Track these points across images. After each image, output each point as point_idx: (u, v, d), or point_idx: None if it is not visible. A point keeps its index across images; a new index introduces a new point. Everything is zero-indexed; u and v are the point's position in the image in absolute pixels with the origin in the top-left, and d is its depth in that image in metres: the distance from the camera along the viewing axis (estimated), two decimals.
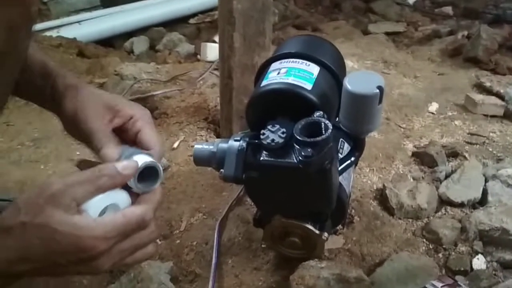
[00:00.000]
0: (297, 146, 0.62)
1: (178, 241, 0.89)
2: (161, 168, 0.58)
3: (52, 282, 0.79)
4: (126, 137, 0.65)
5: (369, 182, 1.05)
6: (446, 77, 1.62)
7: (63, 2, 2.49)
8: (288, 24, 2.48)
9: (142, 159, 0.57)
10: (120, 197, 0.55)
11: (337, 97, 0.75)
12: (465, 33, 1.95)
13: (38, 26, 2.15)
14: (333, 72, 0.77)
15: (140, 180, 0.56)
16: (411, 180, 1.05)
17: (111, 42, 2.34)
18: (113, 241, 0.51)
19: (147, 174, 0.57)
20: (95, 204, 0.52)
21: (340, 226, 0.88)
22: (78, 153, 1.17)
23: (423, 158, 1.12)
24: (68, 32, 2.15)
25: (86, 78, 1.62)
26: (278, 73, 0.74)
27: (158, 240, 0.89)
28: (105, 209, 0.53)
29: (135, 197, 0.56)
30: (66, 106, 0.64)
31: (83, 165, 1.08)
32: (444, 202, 0.97)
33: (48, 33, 2.11)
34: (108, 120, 0.64)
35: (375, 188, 1.03)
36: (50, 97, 0.66)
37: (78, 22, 2.29)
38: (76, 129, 0.64)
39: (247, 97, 0.83)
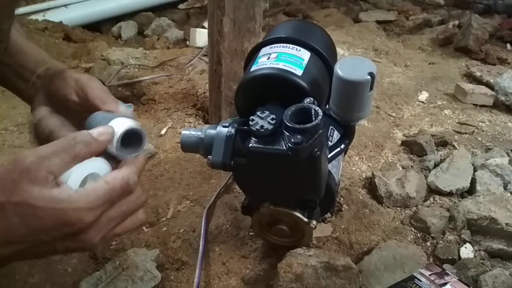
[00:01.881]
0: (286, 133, 0.61)
1: (165, 228, 0.88)
2: (144, 132, 0.55)
3: (35, 269, 0.77)
4: None
5: (358, 170, 1.04)
6: (437, 66, 1.62)
7: None
8: (279, 11, 2.47)
9: (124, 123, 0.54)
10: (100, 165, 0.52)
11: (327, 83, 0.74)
12: (456, 22, 1.95)
13: (24, 9, 2.11)
14: (324, 57, 0.76)
15: (124, 145, 0.53)
16: (400, 168, 1.05)
17: (99, 26, 2.30)
18: (99, 211, 0.48)
19: (131, 139, 0.54)
20: (74, 175, 0.49)
21: (328, 214, 0.88)
22: None
23: (412, 147, 1.12)
24: (55, 16, 2.12)
25: (72, 63, 1.60)
26: (268, 58, 0.72)
27: (144, 228, 0.88)
28: (85, 180, 0.50)
29: (117, 165, 0.54)
30: (69, 78, 0.62)
31: None
32: (432, 191, 0.97)
33: (33, 17, 2.07)
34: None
35: (364, 176, 1.02)
36: (33, 81, 0.64)
37: (65, 5, 2.25)
38: (70, 105, 0.61)
39: (237, 83, 0.82)
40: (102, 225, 0.49)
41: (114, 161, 0.54)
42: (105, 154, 0.53)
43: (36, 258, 0.71)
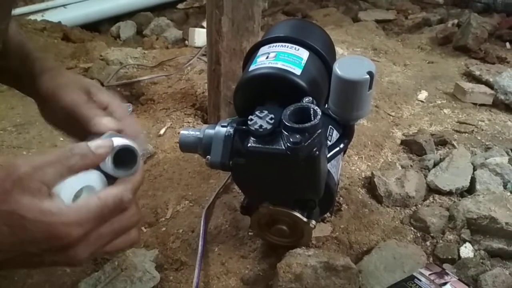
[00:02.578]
0: (285, 132, 0.61)
1: (163, 228, 0.87)
2: (139, 153, 0.54)
3: (34, 270, 0.77)
4: None
5: (357, 170, 1.04)
6: (436, 66, 1.62)
7: None
8: (278, 11, 2.47)
9: (119, 141, 0.53)
10: (96, 179, 0.51)
11: (326, 83, 0.74)
12: (455, 21, 1.95)
13: (23, 10, 2.11)
14: (323, 57, 0.76)
15: (117, 165, 0.52)
16: (400, 168, 1.05)
17: (97, 26, 2.30)
18: (89, 227, 0.47)
19: (125, 158, 0.52)
20: (68, 187, 0.47)
21: (328, 214, 0.87)
22: (61, 139, 1.14)
23: (411, 146, 1.12)
24: (53, 16, 2.11)
25: (70, 63, 1.59)
26: (267, 58, 0.72)
27: (143, 228, 0.88)
28: (79, 193, 0.49)
29: (113, 181, 0.53)
30: (44, 85, 0.61)
31: None
32: (432, 190, 0.97)
33: (32, 17, 2.06)
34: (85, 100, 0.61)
35: (363, 176, 1.02)
36: (28, 80, 0.63)
37: (64, 5, 2.24)
38: (55, 110, 0.60)
39: (235, 83, 0.81)
40: (91, 242, 0.48)
41: (111, 176, 0.52)
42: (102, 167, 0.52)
43: (27, 268, 0.70)
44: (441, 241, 0.85)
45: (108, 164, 0.51)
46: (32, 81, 0.63)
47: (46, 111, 0.64)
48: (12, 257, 0.46)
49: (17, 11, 2.01)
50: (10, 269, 0.52)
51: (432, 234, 0.86)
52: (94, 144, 0.50)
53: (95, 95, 0.62)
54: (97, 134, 0.56)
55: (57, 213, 0.45)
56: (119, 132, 0.58)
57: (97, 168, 0.51)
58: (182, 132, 0.74)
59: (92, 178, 0.50)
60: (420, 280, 0.72)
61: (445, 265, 0.80)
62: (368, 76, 0.62)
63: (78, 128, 0.59)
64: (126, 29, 2.22)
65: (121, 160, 0.52)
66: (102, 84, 1.37)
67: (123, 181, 0.51)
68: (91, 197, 0.48)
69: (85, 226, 0.46)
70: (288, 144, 0.60)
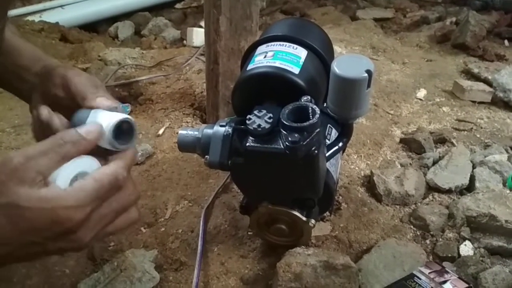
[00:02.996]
0: (284, 132, 0.61)
1: (163, 229, 0.87)
2: (136, 125, 0.55)
3: (33, 271, 0.77)
4: None
5: (356, 168, 1.04)
6: (434, 64, 1.62)
7: None
8: (276, 10, 2.46)
9: (113, 116, 0.54)
10: (89, 163, 0.51)
11: (325, 82, 0.73)
12: (454, 19, 1.95)
13: (20, 11, 2.10)
14: (321, 55, 0.75)
15: (117, 137, 0.53)
16: (399, 166, 1.05)
17: (95, 27, 2.29)
18: (89, 208, 0.47)
19: (122, 131, 0.54)
20: (63, 174, 0.48)
21: (327, 213, 0.87)
22: None
23: (410, 144, 1.12)
24: (51, 17, 2.11)
25: (68, 63, 1.59)
26: (265, 57, 0.72)
27: (142, 228, 0.88)
28: (74, 179, 0.49)
29: (106, 163, 0.53)
30: (60, 72, 0.61)
31: None
32: (431, 188, 0.97)
33: (30, 18, 2.06)
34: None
35: (362, 174, 1.02)
36: (29, 80, 0.64)
37: (61, 6, 2.24)
38: (61, 102, 0.61)
39: (234, 82, 0.81)
40: (92, 223, 0.48)
41: (103, 159, 0.53)
42: (93, 151, 0.52)
43: (29, 260, 0.70)
44: (440, 239, 0.85)
45: (107, 139, 0.52)
46: (34, 80, 0.63)
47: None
48: (14, 251, 0.46)
49: (14, 12, 2.03)
50: (14, 262, 0.53)
51: (431, 232, 0.86)
52: (84, 130, 0.51)
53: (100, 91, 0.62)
54: (84, 110, 0.57)
55: (55, 198, 0.46)
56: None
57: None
58: (180, 132, 0.73)
59: (85, 163, 0.51)
60: (420, 279, 0.72)
61: (445, 263, 0.79)
62: (366, 75, 0.62)
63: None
64: (124, 29, 2.22)
65: (118, 134, 0.53)
66: None
67: (116, 160, 0.52)
68: (87, 180, 0.48)
69: (85, 208, 0.47)
70: (287, 143, 0.60)
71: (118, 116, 0.54)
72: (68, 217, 0.46)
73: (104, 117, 0.54)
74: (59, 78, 0.61)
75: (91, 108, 0.58)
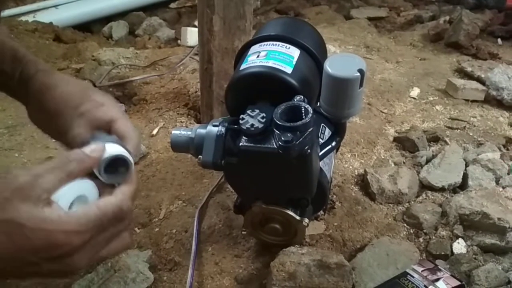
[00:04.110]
0: (277, 131, 0.61)
1: (157, 229, 0.87)
2: (132, 160, 0.54)
3: None
4: (98, 124, 0.61)
5: (350, 167, 1.04)
6: (428, 62, 1.63)
7: None
8: (270, 9, 2.46)
9: (112, 149, 0.54)
10: (88, 188, 0.52)
11: (318, 81, 0.74)
12: (447, 18, 1.95)
13: (14, 11, 2.09)
14: (314, 55, 0.76)
15: (110, 171, 0.53)
16: (392, 165, 1.05)
17: (89, 27, 2.28)
18: (88, 235, 0.47)
19: (118, 165, 0.54)
20: (65, 194, 0.48)
21: (321, 212, 0.88)
22: (53, 140, 1.13)
23: (404, 143, 1.12)
24: (45, 17, 2.09)
25: (62, 63, 1.58)
26: (258, 56, 0.72)
27: (136, 229, 0.88)
28: (73, 202, 0.50)
29: (104, 189, 0.54)
30: (35, 86, 0.61)
31: None
32: (425, 186, 0.98)
33: (23, 18, 2.04)
34: (78, 103, 0.60)
35: (356, 173, 1.02)
36: (18, 83, 0.63)
37: (55, 6, 2.22)
38: (43, 113, 0.60)
39: (228, 81, 0.81)
40: (89, 249, 0.48)
41: (102, 183, 0.53)
42: (93, 175, 0.53)
43: (21, 278, 0.70)
44: (434, 237, 0.85)
45: (99, 171, 0.52)
46: (22, 84, 0.63)
47: (36, 111, 0.63)
48: (8, 267, 0.46)
49: (8, 12, 2.02)
50: (5, 279, 0.52)
51: (425, 231, 0.87)
52: (89, 149, 0.52)
53: (91, 96, 0.62)
54: (97, 136, 0.57)
55: (57, 221, 0.46)
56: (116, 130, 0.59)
57: (90, 176, 0.53)
58: (173, 132, 0.73)
59: (86, 187, 0.52)
60: (413, 277, 0.72)
61: (438, 261, 0.80)
62: (358, 74, 0.62)
63: (65, 127, 0.59)
64: (118, 29, 2.21)
65: (113, 166, 0.53)
66: (94, 85, 1.36)
67: (122, 190, 0.52)
68: (91, 206, 0.49)
69: (84, 235, 0.47)
70: (280, 143, 0.60)
71: (114, 150, 0.54)
72: (67, 241, 0.46)
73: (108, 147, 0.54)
74: (104, 116, 0.60)
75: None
